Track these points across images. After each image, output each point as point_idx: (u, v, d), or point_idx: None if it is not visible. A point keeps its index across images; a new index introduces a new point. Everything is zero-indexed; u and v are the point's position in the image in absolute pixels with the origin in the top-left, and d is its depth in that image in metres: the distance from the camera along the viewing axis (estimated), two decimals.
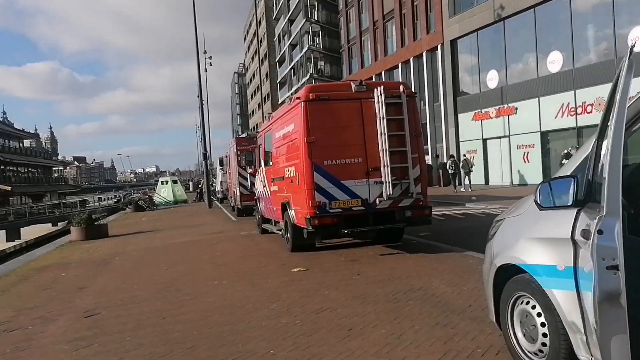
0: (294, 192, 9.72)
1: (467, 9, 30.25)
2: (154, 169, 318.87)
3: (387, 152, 8.91)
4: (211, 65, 51.19)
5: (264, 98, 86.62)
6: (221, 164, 27.87)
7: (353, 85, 9.23)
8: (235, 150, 19.55)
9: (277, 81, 76.79)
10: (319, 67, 59.96)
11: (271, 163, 11.91)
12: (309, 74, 58.69)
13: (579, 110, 23.40)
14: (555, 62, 24.62)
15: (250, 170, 14.27)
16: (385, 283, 6.89)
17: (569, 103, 23.92)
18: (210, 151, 28.37)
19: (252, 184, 18.96)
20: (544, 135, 25.71)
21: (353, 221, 9.07)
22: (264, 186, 12.79)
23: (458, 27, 31.04)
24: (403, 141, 9.10)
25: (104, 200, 48.90)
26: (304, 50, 60.14)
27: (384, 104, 8.97)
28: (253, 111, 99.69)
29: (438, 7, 32.72)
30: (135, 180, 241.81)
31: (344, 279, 7.36)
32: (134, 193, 48.55)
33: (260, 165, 13.40)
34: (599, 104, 22.32)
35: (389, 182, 8.92)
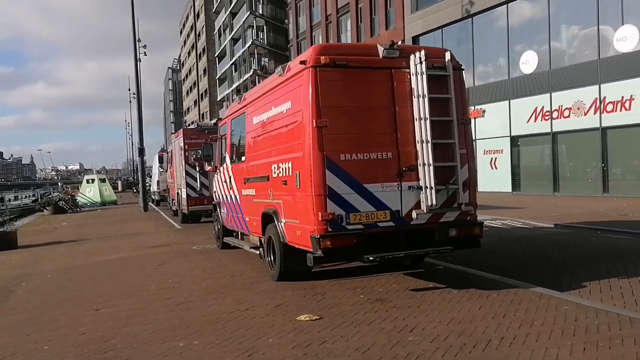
0: (289, 199, 6.86)
1: (432, 4, 28.35)
2: (77, 167, 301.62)
3: (430, 144, 6.26)
4: (145, 55, 46.53)
5: (202, 95, 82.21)
6: (160, 161, 24.27)
7: (381, 49, 6.51)
8: (181, 144, 16.30)
9: (217, 77, 72.82)
10: (262, 63, 56.82)
11: (243, 158, 8.96)
12: (252, 70, 55.49)
13: (555, 114, 21.86)
14: (529, 62, 23.04)
15: (209, 167, 11.20)
16: (479, 358, 4.18)
17: (543, 107, 22.37)
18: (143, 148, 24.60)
19: (203, 184, 15.91)
20: (514, 141, 24.09)
21: (379, 242, 6.34)
22: (230, 188, 9.81)
23: (421, 23, 29.11)
24: (449, 130, 6.50)
25: (19, 199, 43.30)
26: (247, 45, 56.87)
27: (425, 76, 6.32)
28: (189, 108, 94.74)
29: (399, 1, 30.68)
30: (57, 177, 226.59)
31: (395, 341, 4.60)
32: (54, 192, 43.31)
33: (223, 162, 10.40)
34: (578, 108, 20.90)
35: (431, 188, 6.27)
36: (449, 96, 6.52)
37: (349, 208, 6.17)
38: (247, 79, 57.96)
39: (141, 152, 23.99)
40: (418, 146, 6.39)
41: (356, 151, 6.25)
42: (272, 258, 7.67)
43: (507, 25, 24.13)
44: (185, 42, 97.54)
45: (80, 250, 12.29)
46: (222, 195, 10.51)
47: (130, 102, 67.80)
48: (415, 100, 6.41)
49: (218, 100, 73.15)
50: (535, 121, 22.78)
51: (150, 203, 27.27)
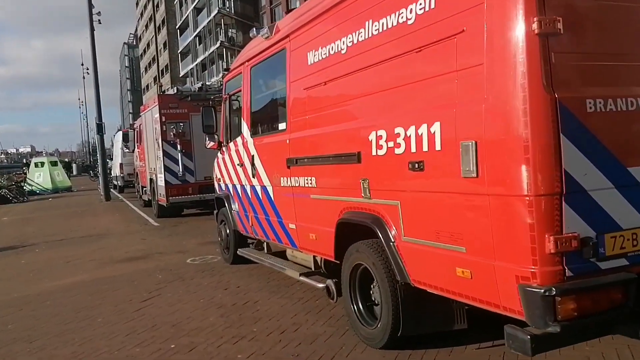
0: (428, 198, 3.37)
1: None
2: (28, 149, 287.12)
3: None
4: (100, 22, 41.45)
5: (162, 71, 76.76)
6: (125, 139, 20.19)
7: None
8: (156, 116, 12.47)
9: (179, 51, 67.68)
10: (230, 34, 52.33)
11: (283, 126, 5.39)
12: (218, 42, 51.02)
13: None
14: None
15: (211, 144, 7.53)
16: None
17: None
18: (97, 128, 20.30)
19: (187, 168, 12.27)
20: None
21: None
22: (252, 175, 6.22)
23: None
24: None
25: None
26: (212, 15, 52.31)
27: None
28: (147, 86, 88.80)
29: None
30: (5, 161, 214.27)
31: None
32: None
33: (235, 135, 6.78)
34: None
35: None
36: None
37: (602, 222, 2.77)
38: (213, 52, 53.56)
39: (100, 128, 19.81)
40: None
41: (611, 93, 2.84)
42: (358, 306, 4.23)
43: None
44: (142, 14, 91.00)
45: (19, 267, 8.50)
46: (235, 186, 6.92)
47: (84, 78, 62.00)
48: None
49: (181, 76, 68.09)
50: None
51: (112, 190, 23.20)
